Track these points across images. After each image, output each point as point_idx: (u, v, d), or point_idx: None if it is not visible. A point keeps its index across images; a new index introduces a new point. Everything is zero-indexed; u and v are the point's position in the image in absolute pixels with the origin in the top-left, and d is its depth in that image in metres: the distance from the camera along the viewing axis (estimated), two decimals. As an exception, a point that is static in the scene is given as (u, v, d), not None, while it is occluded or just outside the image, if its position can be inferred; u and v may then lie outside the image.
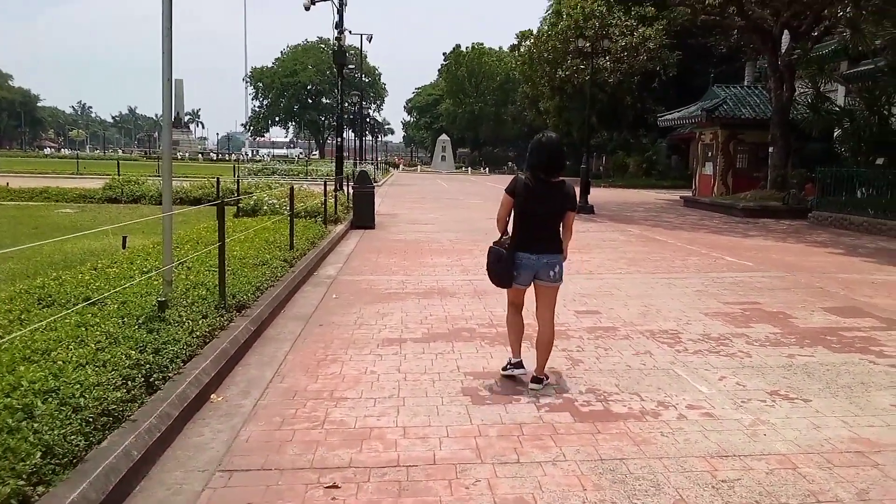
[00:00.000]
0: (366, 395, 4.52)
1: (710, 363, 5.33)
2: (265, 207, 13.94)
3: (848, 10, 21.79)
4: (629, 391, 4.68)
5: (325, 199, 13.22)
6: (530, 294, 5.04)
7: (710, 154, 28.05)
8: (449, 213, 19.92)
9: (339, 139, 19.39)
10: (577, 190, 18.37)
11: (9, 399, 3.14)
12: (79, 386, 3.46)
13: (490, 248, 4.93)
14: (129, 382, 3.82)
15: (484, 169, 70.11)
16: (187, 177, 29.20)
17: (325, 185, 13.43)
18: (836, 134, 25.78)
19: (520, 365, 4.94)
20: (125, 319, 4.76)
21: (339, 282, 8.71)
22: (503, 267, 4.82)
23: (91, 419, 3.30)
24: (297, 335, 6.06)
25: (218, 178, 14.70)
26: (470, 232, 14.67)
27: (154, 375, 4.10)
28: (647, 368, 5.19)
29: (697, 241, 13.54)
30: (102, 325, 4.50)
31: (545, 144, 4.66)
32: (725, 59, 45.91)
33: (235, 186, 18.17)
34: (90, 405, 3.35)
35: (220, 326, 5.44)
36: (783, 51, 22.40)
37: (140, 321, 4.80)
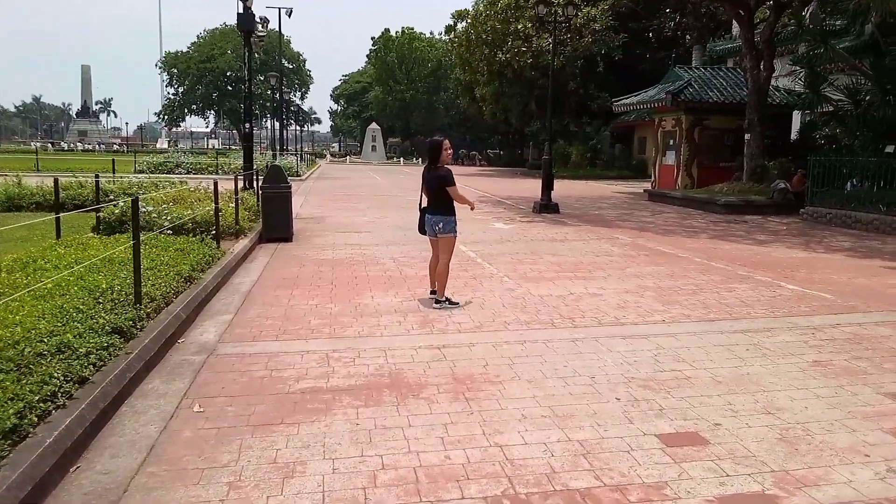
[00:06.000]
0: None
1: None
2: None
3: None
4: None
5: (217, 207, 9.40)
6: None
7: (671, 142, 25.43)
8: (387, 214, 16.33)
9: (247, 125, 15.40)
10: (540, 183, 15.00)
11: None
12: None
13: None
14: None
15: (417, 159, 66.50)
16: (72, 171, 24.45)
17: (216, 184, 9.54)
18: (803, 119, 23.64)
19: (435, 292, 7.01)
20: None
21: (216, 362, 5.06)
22: (420, 219, 7.07)
23: None
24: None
25: (97, 176, 10.58)
26: (419, 242, 10.53)
27: None
28: None
29: (715, 255, 10.47)
30: None
31: (427, 145, 6.98)
32: (668, 44, 43.98)
33: (108, 188, 14.05)
34: None
35: None
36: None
37: None
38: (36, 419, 3.41)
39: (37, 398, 3.53)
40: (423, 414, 4.06)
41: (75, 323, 4.60)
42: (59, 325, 4.49)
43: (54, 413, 3.59)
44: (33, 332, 4.25)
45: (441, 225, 6.73)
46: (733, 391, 4.46)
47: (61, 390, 3.77)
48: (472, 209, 7.26)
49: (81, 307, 4.93)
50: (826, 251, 11.20)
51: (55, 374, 3.84)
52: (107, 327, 4.76)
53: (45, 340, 4.18)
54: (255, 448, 3.60)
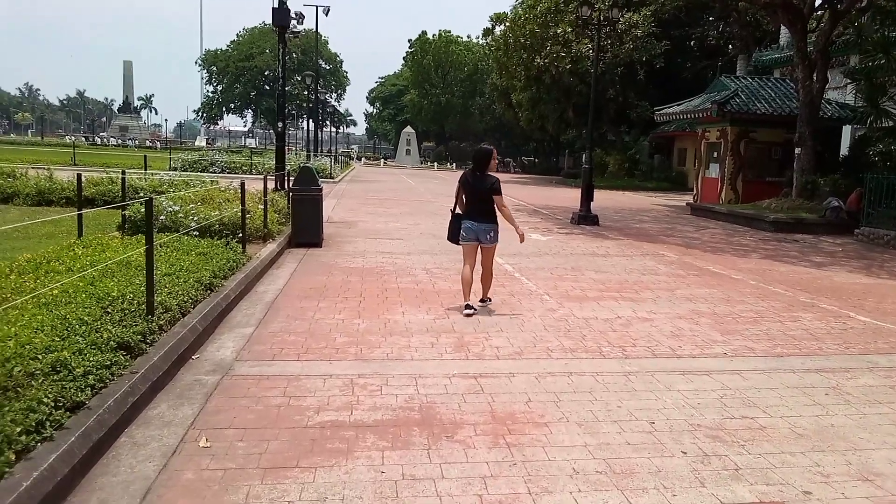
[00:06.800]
0: None
1: None
2: (162, 218, 9.67)
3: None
4: None
5: (244, 209, 9.00)
6: None
7: (715, 155, 24.54)
8: (420, 220, 15.87)
9: (281, 123, 15.07)
10: (578, 193, 14.32)
11: None
12: None
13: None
14: None
15: (451, 164, 66.13)
16: (107, 167, 24.52)
17: (243, 185, 9.14)
18: (854, 134, 22.53)
19: (469, 307, 6.74)
20: None
21: (230, 384, 4.59)
22: (452, 226, 6.99)
23: None
24: None
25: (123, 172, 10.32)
26: (453, 253, 10.16)
27: None
28: None
29: (771, 277, 9.75)
30: None
31: (477, 152, 6.87)
32: (711, 53, 42.82)
33: (138, 184, 13.81)
34: None
35: None
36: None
37: None
38: (13, 457, 2.96)
39: (18, 430, 3.08)
40: (458, 462, 3.52)
41: (77, 337, 4.17)
42: (58, 339, 4.06)
43: (39, 447, 3.14)
44: (27, 347, 3.81)
45: (492, 234, 6.76)
46: (819, 448, 3.84)
47: (50, 419, 3.32)
48: (520, 240, 7.08)
49: (86, 318, 4.50)
50: (891, 277, 10.39)
51: (45, 400, 3.39)
52: (112, 342, 4.32)
53: (40, 358, 3.74)
54: (264, 499, 3.10)
